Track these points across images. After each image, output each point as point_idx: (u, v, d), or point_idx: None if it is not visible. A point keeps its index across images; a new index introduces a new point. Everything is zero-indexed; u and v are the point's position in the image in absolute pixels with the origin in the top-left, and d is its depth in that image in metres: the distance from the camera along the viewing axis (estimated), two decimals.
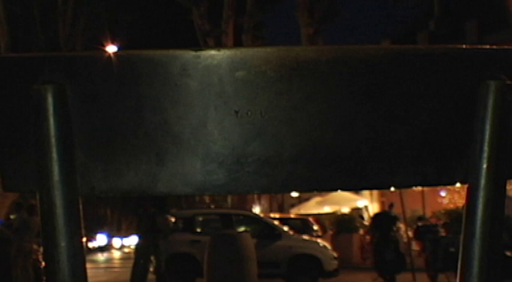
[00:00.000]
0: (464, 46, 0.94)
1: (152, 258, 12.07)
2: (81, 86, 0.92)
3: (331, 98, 0.92)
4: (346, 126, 0.93)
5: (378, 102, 0.93)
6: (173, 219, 13.02)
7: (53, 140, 0.90)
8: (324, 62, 0.92)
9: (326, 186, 0.95)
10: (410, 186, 0.96)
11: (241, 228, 15.02)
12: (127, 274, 12.72)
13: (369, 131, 0.93)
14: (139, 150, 0.92)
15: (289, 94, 0.92)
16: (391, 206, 15.35)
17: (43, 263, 0.91)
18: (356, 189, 0.98)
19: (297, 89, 0.92)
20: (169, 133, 0.92)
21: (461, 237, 0.94)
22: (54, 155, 0.90)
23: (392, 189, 0.97)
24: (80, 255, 0.92)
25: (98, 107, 0.92)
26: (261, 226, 15.25)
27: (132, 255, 13.37)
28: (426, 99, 0.93)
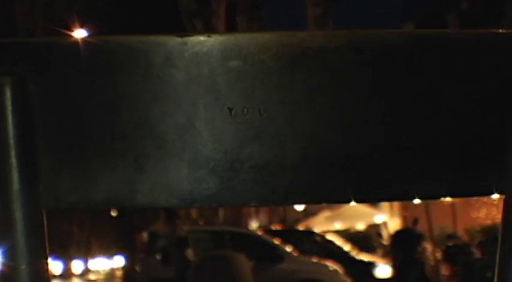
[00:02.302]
0: (501, 30, 0.95)
1: None
2: (46, 78, 0.93)
3: (342, 92, 0.93)
4: (359, 125, 0.93)
5: (398, 98, 0.94)
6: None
7: (11, 142, 0.91)
8: (334, 50, 0.93)
9: (336, 198, 0.96)
10: (437, 197, 0.97)
11: (236, 249, 14.99)
12: None
13: (387, 131, 0.94)
14: (115, 154, 0.93)
15: (293, 88, 0.93)
16: (415, 221, 15.34)
17: None
18: (372, 200, 0.99)
19: (301, 82, 0.93)
20: (151, 134, 0.92)
21: (497, 258, 0.95)
22: (13, 160, 0.91)
23: (416, 201, 0.97)
24: (45, 280, 0.92)
25: (65, 103, 0.93)
26: (259, 246, 15.23)
27: None
28: (455, 94, 0.94)
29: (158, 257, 12.09)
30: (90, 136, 0.93)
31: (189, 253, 12.38)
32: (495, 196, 0.96)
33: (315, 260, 16.08)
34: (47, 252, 0.93)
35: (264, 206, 0.98)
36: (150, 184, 0.93)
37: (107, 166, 0.93)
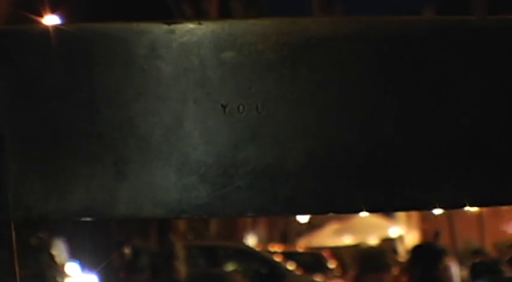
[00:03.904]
0: None
1: None
2: (13, 71, 0.93)
3: (351, 87, 0.94)
4: (371, 124, 0.94)
5: (414, 94, 0.94)
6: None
7: None
8: (342, 39, 0.93)
9: (345, 207, 0.96)
10: (461, 206, 0.97)
11: (230, 266, 14.97)
12: None
13: (403, 131, 0.94)
14: (92, 158, 0.93)
15: (295, 82, 0.93)
16: (436, 235, 15.30)
17: None
18: (386, 210, 0.99)
19: (304, 76, 0.93)
20: (133, 135, 0.93)
21: None
22: None
23: (436, 211, 0.97)
24: None
25: (36, 100, 0.93)
26: (256, 263, 15.19)
27: None
28: (479, 89, 0.94)
29: (146, 275, 12.04)
30: (63, 137, 0.93)
31: (183, 271, 12.33)
32: None
33: (319, 278, 16.05)
34: (17, 268, 0.93)
35: (262, 217, 0.99)
36: (132, 192, 0.93)
37: (83, 172, 0.93)
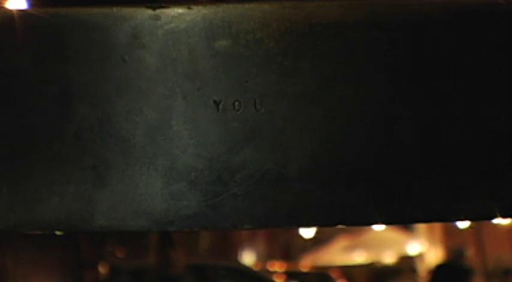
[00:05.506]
0: None
1: None
2: None
3: (363, 80, 0.94)
4: (386, 123, 0.94)
5: (434, 88, 0.94)
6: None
7: None
8: (352, 26, 0.94)
9: (357, 218, 0.97)
10: (489, 217, 0.97)
11: None
12: None
13: (423, 131, 0.94)
14: (67, 163, 0.93)
15: (299, 75, 0.93)
16: (461, 252, 15.26)
17: None
18: (403, 222, 0.99)
19: (309, 68, 0.93)
20: (113, 135, 0.93)
21: None
22: None
23: (462, 224, 0.98)
24: None
25: (3, 96, 0.93)
26: None
27: None
28: (508, 83, 0.95)
29: None
30: (33, 139, 0.93)
31: None
32: None
33: None
34: None
35: (261, 230, 0.99)
36: (112, 201, 0.93)
37: (56, 178, 0.93)
